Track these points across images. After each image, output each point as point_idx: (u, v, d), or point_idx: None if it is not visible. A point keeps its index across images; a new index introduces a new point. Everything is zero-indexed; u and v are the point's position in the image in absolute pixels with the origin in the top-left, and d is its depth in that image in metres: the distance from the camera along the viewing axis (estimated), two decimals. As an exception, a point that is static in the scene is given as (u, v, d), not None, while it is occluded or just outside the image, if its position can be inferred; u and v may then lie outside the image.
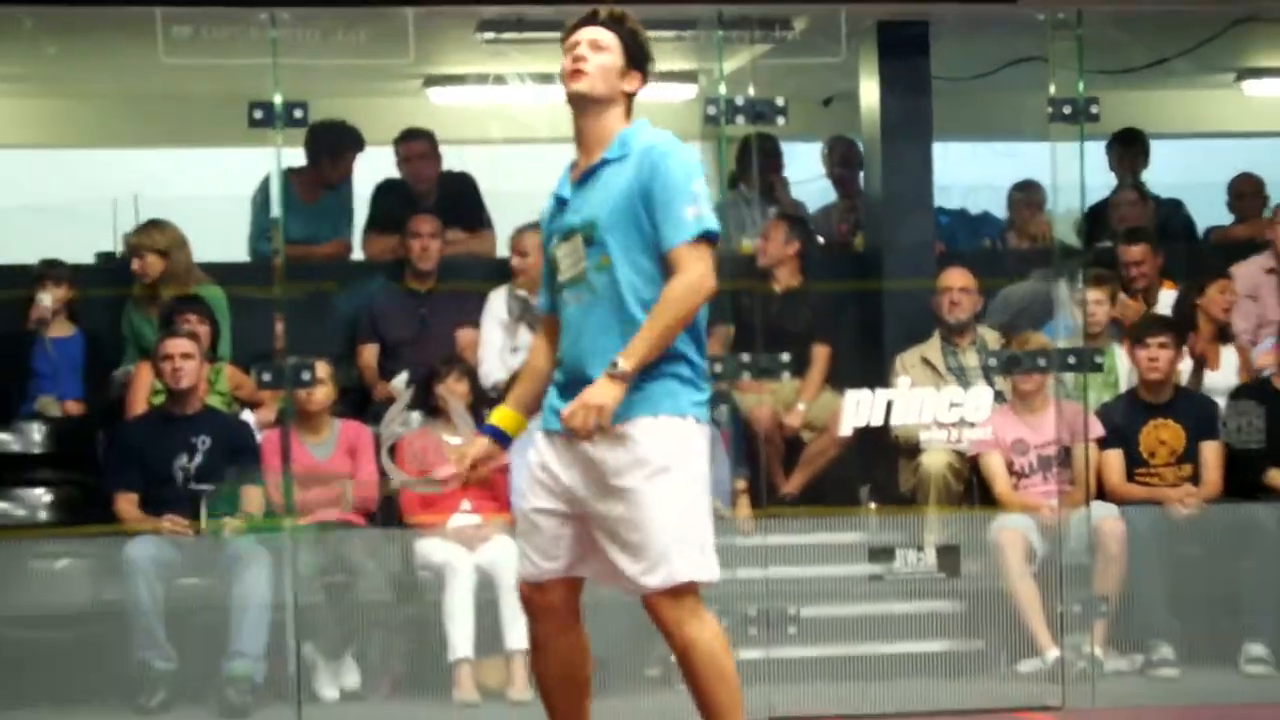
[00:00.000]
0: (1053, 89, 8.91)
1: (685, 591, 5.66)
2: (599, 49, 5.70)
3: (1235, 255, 10.40)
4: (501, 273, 9.81)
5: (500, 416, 5.93)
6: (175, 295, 9.34)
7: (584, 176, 5.71)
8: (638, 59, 5.78)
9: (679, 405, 5.63)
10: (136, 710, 8.40)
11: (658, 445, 5.59)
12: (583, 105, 5.73)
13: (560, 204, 5.78)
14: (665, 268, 5.60)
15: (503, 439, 5.95)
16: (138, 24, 8.98)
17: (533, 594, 5.83)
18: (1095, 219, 10.53)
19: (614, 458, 5.59)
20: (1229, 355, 9.91)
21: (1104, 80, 9.86)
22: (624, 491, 5.59)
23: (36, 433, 9.29)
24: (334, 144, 10.16)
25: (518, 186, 10.28)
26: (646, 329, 5.53)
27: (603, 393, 5.49)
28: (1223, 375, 9.80)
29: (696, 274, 5.57)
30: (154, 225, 9.57)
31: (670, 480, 5.60)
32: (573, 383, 5.64)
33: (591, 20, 5.77)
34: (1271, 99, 11.93)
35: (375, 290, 9.88)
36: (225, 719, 8.36)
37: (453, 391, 8.78)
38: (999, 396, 9.13)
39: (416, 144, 10.39)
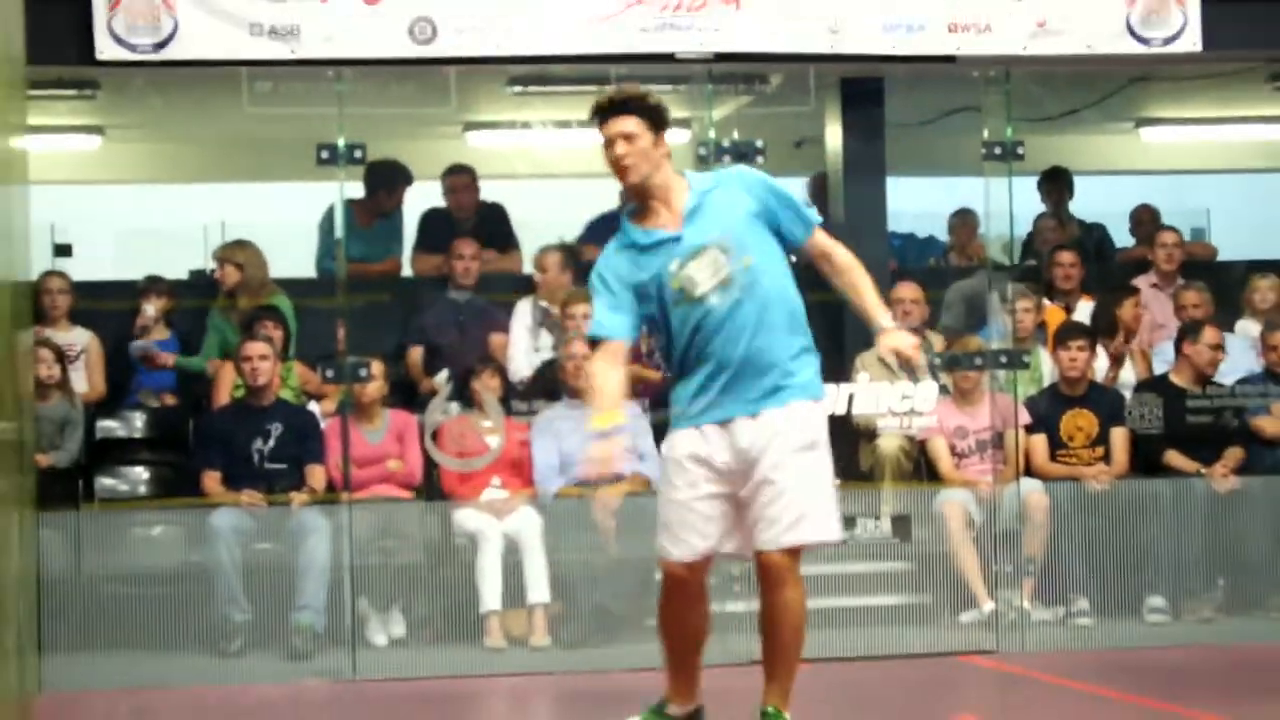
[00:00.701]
0: (985, 133, 8.79)
1: (801, 552, 5.48)
2: (630, 139, 5.48)
3: (1136, 272, 10.17)
4: (527, 286, 9.53)
5: (601, 424, 5.55)
6: (254, 304, 9.05)
7: (690, 213, 5.49)
8: (661, 124, 5.58)
9: (822, 391, 5.64)
10: (218, 654, 8.13)
11: (813, 425, 5.51)
12: (640, 188, 5.54)
13: (646, 248, 5.51)
14: (801, 254, 5.57)
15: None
16: (226, 80, 8.75)
17: (684, 572, 5.54)
18: (1025, 241, 10.22)
19: (777, 436, 5.43)
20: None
21: (1027, 126, 9.65)
22: (780, 465, 5.41)
23: (138, 420, 9.05)
24: (389, 179, 9.87)
25: (541, 215, 10.24)
26: (869, 287, 5.61)
27: (905, 335, 5.66)
28: (1126, 372, 9.49)
29: (842, 246, 5.62)
30: (236, 243, 9.33)
31: (817, 455, 5.50)
32: (741, 372, 5.44)
33: (613, 110, 5.50)
34: (1164, 144, 11.71)
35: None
36: (292, 661, 8.08)
37: (487, 387, 8.60)
38: (943, 390, 8.86)
39: (459, 177, 10.07)
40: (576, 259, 9.35)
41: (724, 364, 5.45)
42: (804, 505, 5.43)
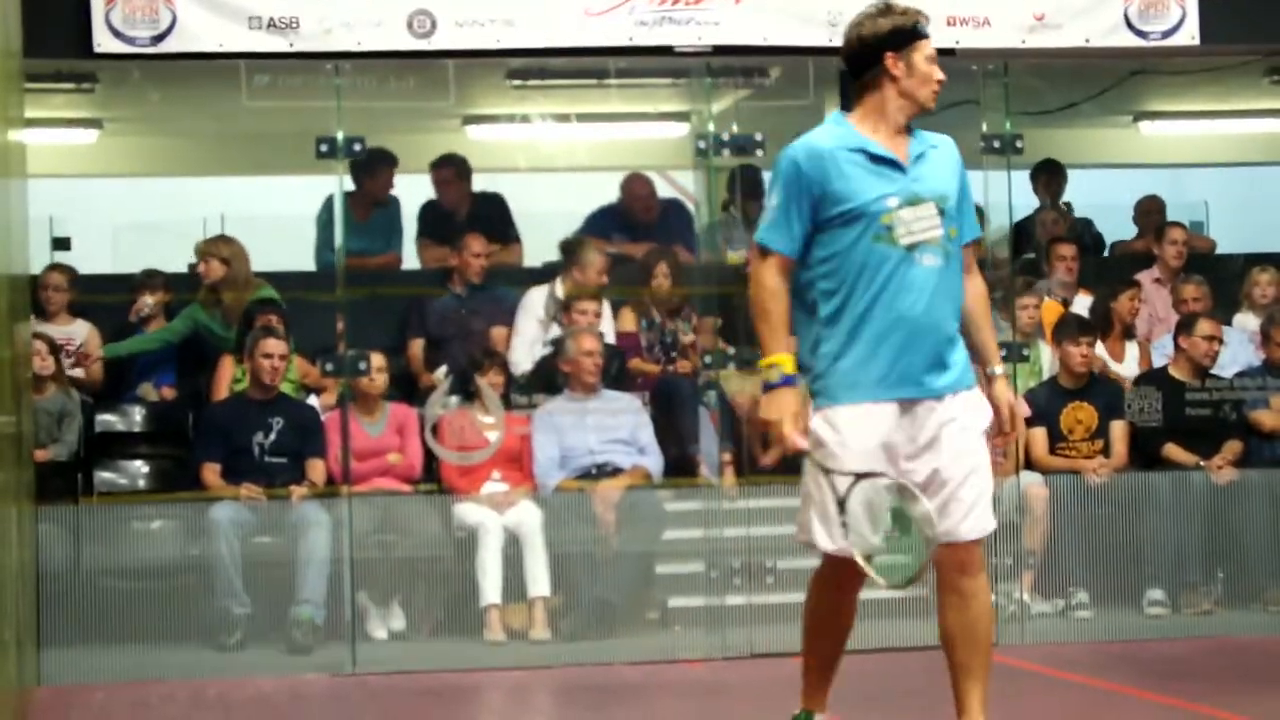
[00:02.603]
0: (984, 127, 8.71)
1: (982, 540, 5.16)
2: None
3: (1136, 265, 10.10)
4: (527, 278, 9.45)
5: (787, 362, 5.01)
6: (240, 299, 8.94)
7: (915, 158, 5.05)
8: None
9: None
10: (217, 648, 8.09)
11: (984, 414, 5.13)
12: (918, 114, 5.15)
13: (876, 160, 5.03)
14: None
15: (795, 381, 5.04)
16: (224, 73, 8.68)
17: (851, 563, 5.00)
18: (1021, 233, 10.19)
19: (956, 422, 5.04)
20: (1131, 349, 9.55)
21: (1026, 120, 9.59)
22: (962, 453, 5.05)
23: (137, 414, 8.95)
24: (371, 164, 9.66)
25: (541, 207, 10.10)
26: (989, 324, 5.24)
27: (1018, 401, 5.35)
28: (1126, 366, 9.45)
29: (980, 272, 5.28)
30: (220, 238, 9.24)
31: (983, 442, 5.15)
32: (919, 338, 4.97)
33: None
34: (1162, 137, 11.61)
35: None
36: (292, 655, 8.03)
37: (488, 380, 8.54)
38: None
39: (444, 170, 9.94)
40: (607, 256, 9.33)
41: (905, 324, 4.98)
42: (979, 495, 5.10)
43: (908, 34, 5.10)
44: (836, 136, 5.09)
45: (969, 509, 5.07)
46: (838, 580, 5.12)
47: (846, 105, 9.40)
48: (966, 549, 5.09)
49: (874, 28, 5.11)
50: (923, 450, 5.02)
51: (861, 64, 5.13)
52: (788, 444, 5.01)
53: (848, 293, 5.02)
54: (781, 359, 4.99)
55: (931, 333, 5.00)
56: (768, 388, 5.00)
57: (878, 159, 5.05)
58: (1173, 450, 8.86)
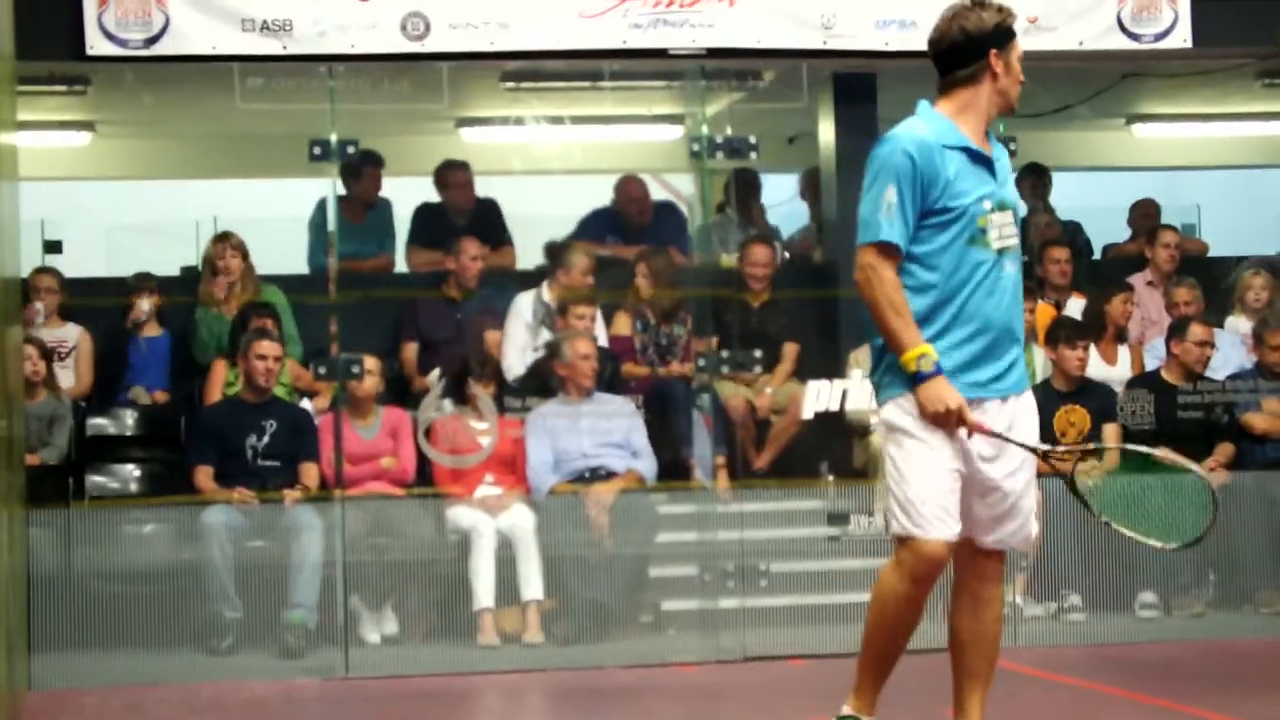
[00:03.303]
0: None
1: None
2: None
3: (1129, 268, 10.09)
4: (521, 282, 9.42)
5: (931, 351, 4.90)
6: (247, 299, 8.94)
7: (997, 159, 5.02)
8: None
9: None
10: (209, 652, 8.07)
11: (1034, 416, 5.15)
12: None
13: (977, 159, 4.95)
14: None
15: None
16: (217, 76, 8.67)
17: (946, 554, 4.97)
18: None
19: (1020, 427, 5.04)
20: (1124, 352, 9.56)
21: (1019, 122, 9.47)
22: (1026, 461, 5.06)
23: (129, 418, 8.95)
24: (358, 166, 9.61)
25: (535, 210, 10.09)
26: None
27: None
28: (1119, 369, 9.43)
29: None
30: (227, 234, 9.18)
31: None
32: (1003, 342, 4.97)
33: None
34: (1154, 140, 11.65)
35: None
36: (284, 659, 8.00)
37: (485, 389, 8.55)
38: None
39: (456, 174, 9.89)
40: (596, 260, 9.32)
41: (988, 327, 4.95)
42: (1033, 505, 5.10)
43: (1009, 32, 5.03)
44: (937, 131, 4.97)
45: (1026, 519, 5.07)
46: (930, 574, 4.99)
47: (841, 109, 9.57)
48: (997, 557, 5.08)
49: (979, 23, 5.00)
50: (998, 455, 4.99)
51: (961, 58, 5.00)
52: (970, 426, 4.90)
53: (943, 292, 4.95)
54: (926, 348, 4.89)
55: (1006, 335, 5.00)
56: (921, 379, 4.87)
57: (977, 158, 4.99)
58: (1163, 453, 8.87)
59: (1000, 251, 4.98)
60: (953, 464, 4.92)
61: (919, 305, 4.95)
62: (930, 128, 4.98)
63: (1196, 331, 9.02)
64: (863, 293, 4.95)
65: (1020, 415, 5.05)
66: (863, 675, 5.15)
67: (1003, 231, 4.98)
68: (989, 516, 5.02)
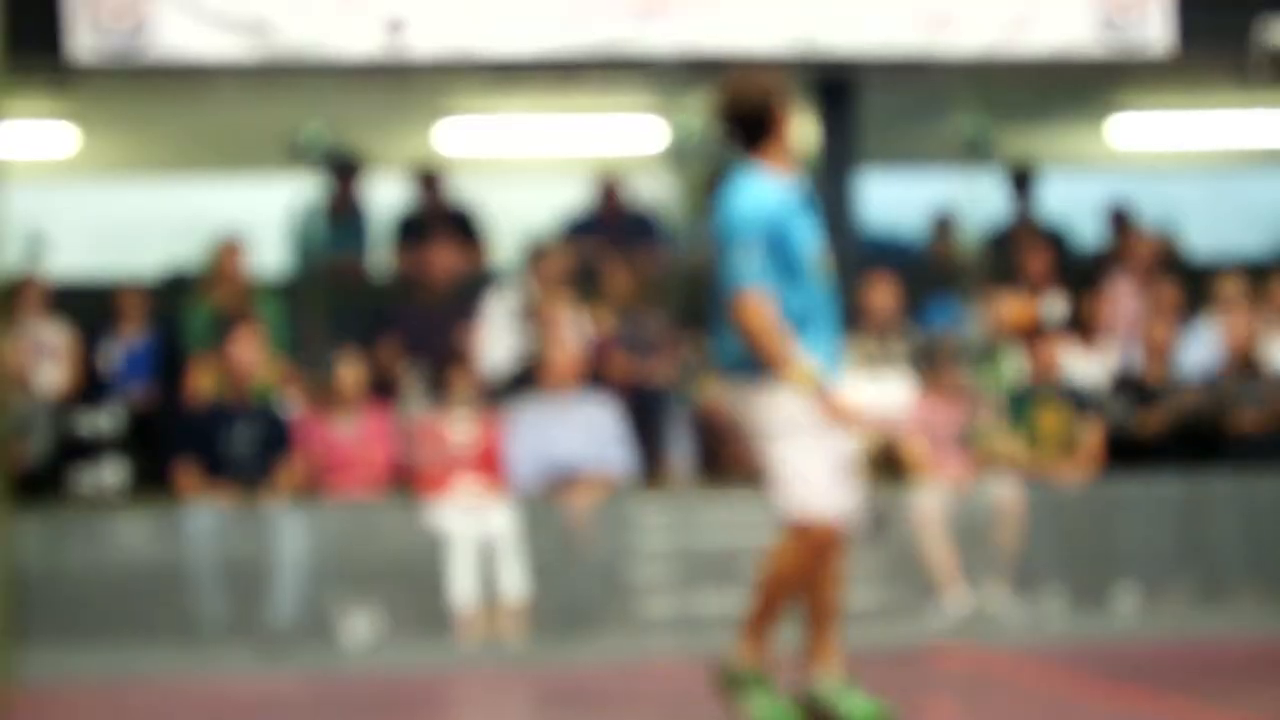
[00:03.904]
0: (958, 130, 8.95)
1: None
2: None
3: (1108, 268, 10.05)
4: (499, 280, 9.43)
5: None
6: (235, 299, 8.95)
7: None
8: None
9: None
10: (192, 649, 8.07)
11: None
12: None
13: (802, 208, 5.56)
14: None
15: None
16: (200, 76, 8.69)
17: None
18: (998, 236, 10.24)
19: None
20: (1101, 352, 9.54)
21: (1000, 123, 9.57)
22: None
23: (113, 417, 8.88)
24: (341, 166, 9.70)
25: (513, 208, 10.09)
26: None
27: None
28: (1097, 368, 9.44)
29: None
30: (228, 238, 9.20)
31: None
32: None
33: None
34: (1136, 140, 11.50)
35: None
36: (265, 657, 8.01)
37: (460, 383, 8.55)
38: (919, 387, 8.81)
39: (431, 176, 9.95)
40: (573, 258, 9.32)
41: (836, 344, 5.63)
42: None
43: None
44: (782, 194, 5.58)
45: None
46: (827, 547, 5.51)
47: (821, 110, 9.58)
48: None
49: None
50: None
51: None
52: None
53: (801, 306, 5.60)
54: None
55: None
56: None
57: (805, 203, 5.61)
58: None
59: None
60: (834, 446, 5.58)
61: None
62: (773, 186, 5.56)
63: (1175, 330, 9.03)
64: None
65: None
66: (761, 636, 5.62)
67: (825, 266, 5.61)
68: None
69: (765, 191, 5.50)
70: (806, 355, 5.39)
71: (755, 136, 5.57)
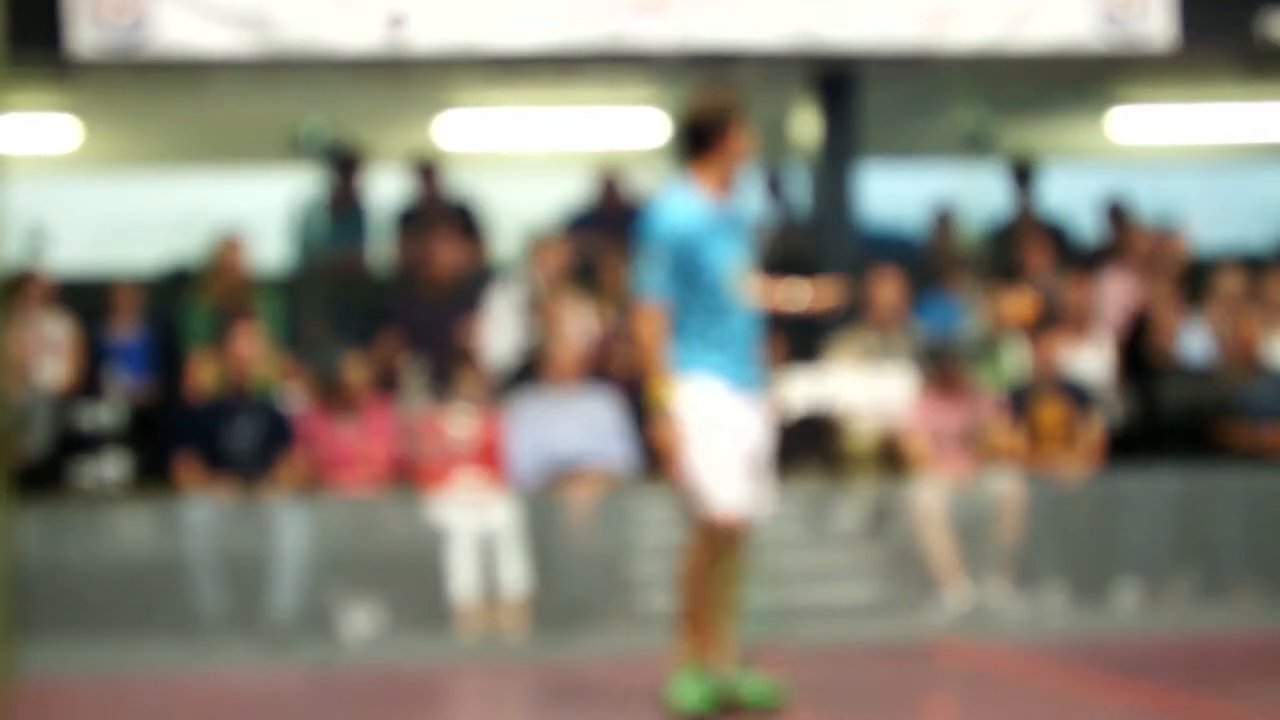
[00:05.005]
0: (959, 123, 8.95)
1: None
2: None
3: (1107, 261, 10.07)
4: (501, 275, 9.40)
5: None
6: (234, 294, 8.93)
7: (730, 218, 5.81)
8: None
9: None
10: (193, 643, 8.06)
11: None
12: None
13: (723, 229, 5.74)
14: None
15: None
16: (200, 69, 8.69)
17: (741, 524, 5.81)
18: (998, 230, 10.24)
19: None
20: (1102, 345, 9.50)
21: (1001, 116, 9.53)
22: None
23: (114, 411, 8.87)
24: (343, 161, 9.69)
25: (514, 203, 10.10)
26: None
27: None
28: (1098, 362, 9.41)
29: None
30: (230, 235, 9.17)
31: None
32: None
33: None
34: (1136, 133, 11.50)
35: None
36: (267, 651, 7.99)
37: (464, 377, 8.57)
38: (922, 382, 8.76)
39: (429, 169, 9.94)
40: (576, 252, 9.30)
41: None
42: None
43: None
44: (701, 209, 5.80)
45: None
46: (726, 543, 5.79)
47: (822, 105, 9.57)
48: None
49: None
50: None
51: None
52: None
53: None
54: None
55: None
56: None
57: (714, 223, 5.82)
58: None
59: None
60: (735, 446, 5.84)
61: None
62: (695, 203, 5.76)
63: (1176, 323, 9.02)
64: None
65: None
66: (701, 637, 5.94)
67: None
68: None
69: (683, 208, 5.67)
70: (677, 374, 5.61)
71: (697, 150, 5.72)
